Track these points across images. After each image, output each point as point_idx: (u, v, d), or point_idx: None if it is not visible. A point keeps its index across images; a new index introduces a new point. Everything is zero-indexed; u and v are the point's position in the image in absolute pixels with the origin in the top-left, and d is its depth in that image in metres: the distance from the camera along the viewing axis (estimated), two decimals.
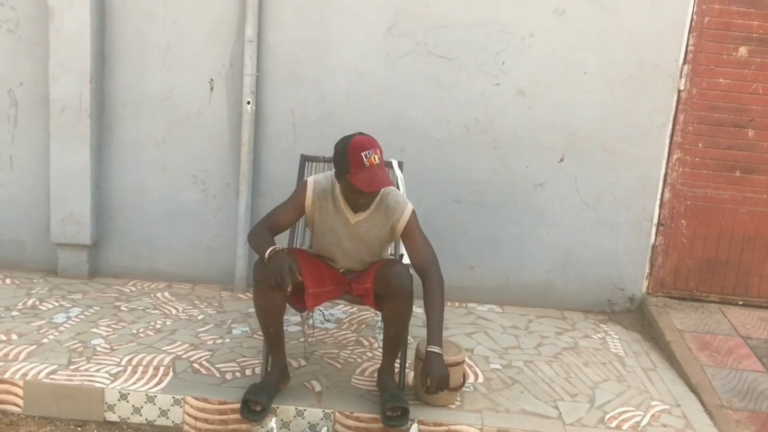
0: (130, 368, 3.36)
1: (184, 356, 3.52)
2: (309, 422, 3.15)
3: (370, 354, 3.69)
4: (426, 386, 3.02)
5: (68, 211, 4.26)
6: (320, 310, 4.11)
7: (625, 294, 4.48)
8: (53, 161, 4.22)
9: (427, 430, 3.12)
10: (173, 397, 3.18)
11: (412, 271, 3.15)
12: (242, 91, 4.18)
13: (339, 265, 3.26)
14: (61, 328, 3.71)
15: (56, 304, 4.01)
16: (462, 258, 4.41)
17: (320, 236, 3.20)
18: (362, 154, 2.93)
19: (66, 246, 4.34)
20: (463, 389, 3.34)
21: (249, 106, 4.18)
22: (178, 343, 3.66)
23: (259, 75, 4.20)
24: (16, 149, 4.32)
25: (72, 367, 3.34)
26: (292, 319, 3.89)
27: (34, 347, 3.49)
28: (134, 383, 3.24)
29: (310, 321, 3.94)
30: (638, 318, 4.41)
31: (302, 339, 3.75)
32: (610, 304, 4.50)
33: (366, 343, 3.82)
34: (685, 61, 4.21)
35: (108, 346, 3.56)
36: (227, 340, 3.73)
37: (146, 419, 3.19)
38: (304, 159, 3.84)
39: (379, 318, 3.38)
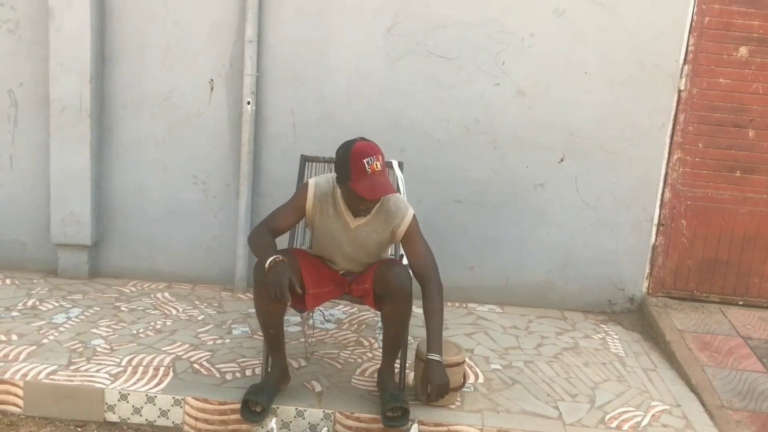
0: (130, 368, 3.36)
1: (184, 357, 3.52)
2: (309, 423, 3.15)
3: (370, 354, 3.69)
4: (426, 393, 3.04)
5: (68, 212, 4.26)
6: (320, 311, 4.11)
7: (626, 294, 4.48)
8: (53, 161, 4.22)
9: (428, 430, 3.12)
10: (173, 398, 3.18)
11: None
12: (242, 92, 4.18)
13: (338, 267, 3.26)
14: (61, 329, 3.71)
15: (56, 304, 4.01)
16: (462, 258, 4.41)
17: (320, 239, 3.19)
18: (364, 160, 2.92)
19: (66, 246, 4.34)
20: (464, 389, 3.34)
21: (249, 107, 4.18)
22: (179, 343, 3.66)
23: (259, 75, 4.20)
24: (16, 149, 4.32)
25: (72, 367, 3.34)
26: (292, 319, 3.89)
27: (34, 348, 3.49)
28: (134, 384, 3.24)
29: (311, 321, 3.94)
30: (638, 318, 4.41)
31: (302, 339, 3.75)
32: (610, 305, 4.50)
33: (366, 343, 3.82)
34: (685, 61, 4.21)
35: (108, 347, 3.56)
36: (227, 341, 3.73)
37: (146, 419, 3.19)
38: (305, 159, 3.84)
39: (379, 318, 3.38)
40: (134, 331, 3.75)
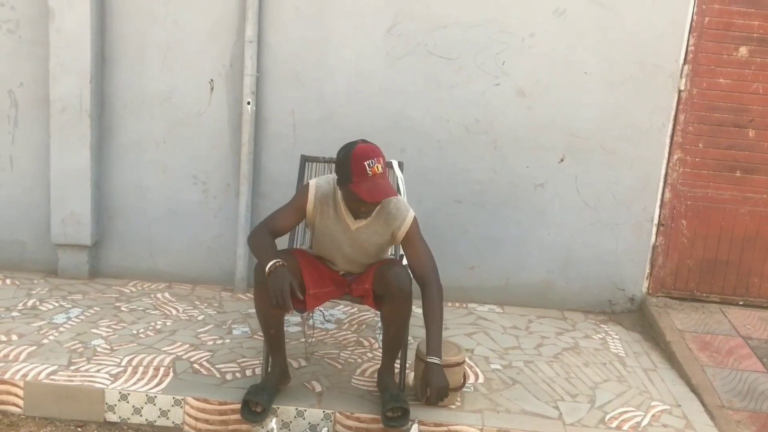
0: (130, 369, 3.36)
1: (184, 357, 3.52)
2: (309, 423, 3.15)
3: (370, 354, 3.69)
4: (426, 397, 3.04)
5: (68, 212, 4.26)
6: (320, 311, 4.11)
7: (626, 294, 4.48)
8: (53, 162, 4.22)
9: (428, 430, 3.12)
10: (173, 398, 3.18)
11: None
12: (242, 92, 4.18)
13: (338, 268, 3.26)
14: (61, 329, 3.71)
15: (56, 304, 4.01)
16: (462, 258, 4.41)
17: (320, 240, 3.19)
18: (365, 163, 2.91)
19: (66, 246, 4.34)
20: (464, 389, 3.34)
21: (249, 107, 4.18)
22: (179, 343, 3.66)
23: (259, 75, 4.20)
24: (16, 150, 4.32)
25: (72, 367, 3.34)
26: (292, 319, 3.89)
27: (34, 348, 3.49)
28: (134, 384, 3.24)
29: (311, 321, 3.94)
30: (639, 318, 4.41)
31: (303, 339, 3.75)
32: (610, 305, 4.49)
33: (366, 343, 3.82)
34: (685, 61, 4.21)
35: (108, 347, 3.56)
36: (227, 341, 3.73)
37: (146, 420, 3.19)
38: (305, 159, 3.84)
39: (379, 318, 3.38)
40: (134, 332, 3.75)
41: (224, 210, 4.38)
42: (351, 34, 4.18)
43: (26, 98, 4.25)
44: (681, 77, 4.22)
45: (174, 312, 4.04)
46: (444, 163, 4.30)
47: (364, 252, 3.18)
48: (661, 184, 4.35)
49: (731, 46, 4.21)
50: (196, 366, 3.44)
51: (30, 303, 4.00)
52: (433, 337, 3.05)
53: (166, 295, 4.28)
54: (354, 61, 4.21)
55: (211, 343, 3.69)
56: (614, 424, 3.24)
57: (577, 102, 4.24)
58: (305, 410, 3.15)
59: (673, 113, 4.27)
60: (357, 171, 2.92)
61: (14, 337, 3.58)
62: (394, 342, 3.21)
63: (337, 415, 3.15)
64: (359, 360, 3.62)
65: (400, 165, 3.81)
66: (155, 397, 3.18)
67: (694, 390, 3.57)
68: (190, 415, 3.17)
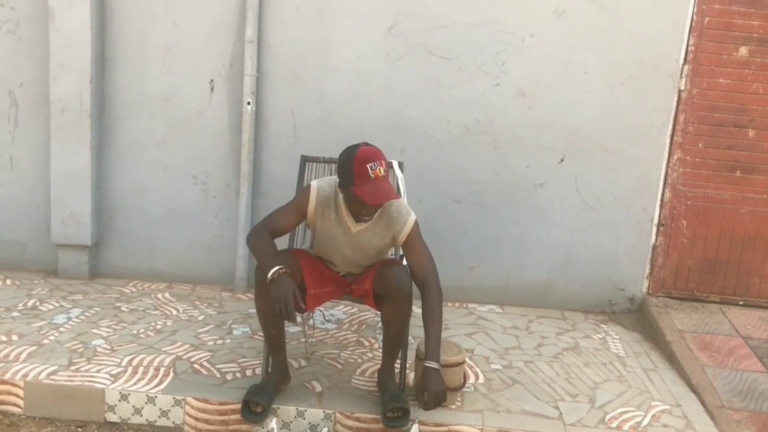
0: (130, 369, 3.36)
1: (184, 357, 3.52)
2: (309, 423, 3.15)
3: (370, 354, 3.69)
4: (424, 401, 3.03)
5: (69, 212, 4.26)
6: (320, 311, 4.12)
7: (626, 294, 4.48)
8: (53, 162, 4.22)
9: (428, 430, 3.12)
10: (174, 398, 3.18)
11: None
12: (242, 92, 4.18)
13: (338, 269, 3.26)
14: (61, 329, 3.71)
15: (57, 304, 4.01)
16: (462, 258, 4.41)
17: (320, 242, 3.19)
18: (368, 165, 2.91)
19: (66, 246, 4.34)
20: (464, 389, 3.34)
21: (249, 107, 4.18)
22: (179, 343, 3.66)
23: (259, 75, 4.20)
24: (16, 150, 4.33)
25: (72, 367, 3.34)
26: None
27: (34, 348, 3.49)
28: (135, 384, 3.24)
29: (311, 321, 3.94)
30: (639, 318, 4.41)
31: (303, 339, 3.75)
32: (610, 305, 4.50)
33: (366, 343, 3.82)
34: (685, 61, 4.21)
35: (108, 347, 3.56)
36: (228, 341, 3.73)
37: (147, 420, 3.19)
38: (305, 160, 3.84)
39: (380, 318, 3.38)
40: (135, 332, 3.75)
41: (224, 210, 4.38)
42: (351, 34, 4.18)
43: (26, 98, 4.25)
44: (681, 77, 4.22)
45: (174, 312, 4.04)
46: (444, 163, 4.31)
47: (365, 254, 3.18)
48: (661, 184, 4.35)
49: (731, 46, 4.21)
50: (196, 366, 3.44)
51: (30, 303, 4.00)
52: (431, 341, 3.04)
53: (167, 295, 4.28)
54: (354, 61, 4.21)
55: (211, 343, 3.70)
56: (614, 424, 3.24)
57: (577, 102, 4.24)
58: (305, 410, 3.15)
59: (673, 113, 4.27)
60: (359, 174, 2.91)
61: (14, 338, 3.58)
62: (394, 342, 3.21)
63: (338, 415, 3.15)
64: (359, 360, 3.62)
65: (400, 165, 3.81)
66: (155, 397, 3.18)
67: (694, 390, 3.57)
68: (190, 416, 3.17)
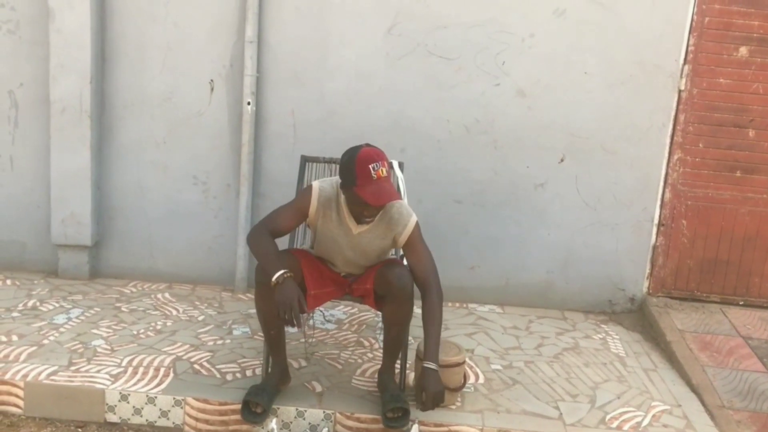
0: (130, 369, 3.36)
1: (184, 357, 3.52)
2: (310, 423, 3.15)
3: (370, 355, 3.69)
4: (422, 402, 3.03)
5: (69, 212, 4.26)
6: (321, 311, 4.11)
7: (626, 294, 4.48)
8: (53, 162, 4.22)
9: (428, 430, 3.12)
10: (174, 398, 3.18)
11: None
12: (242, 92, 4.18)
13: (339, 270, 3.26)
14: (61, 329, 3.71)
15: (57, 305, 4.01)
16: (462, 258, 4.41)
17: (321, 242, 3.19)
18: (370, 166, 2.91)
19: (66, 247, 4.34)
20: (464, 390, 3.34)
21: (249, 107, 4.18)
22: (179, 344, 3.66)
23: (259, 75, 4.20)
24: (16, 150, 4.32)
25: (72, 368, 3.34)
26: None
27: (34, 348, 3.49)
28: (135, 384, 3.24)
29: (311, 322, 3.94)
30: (639, 318, 4.41)
31: (303, 340, 3.75)
32: (610, 305, 4.49)
33: (366, 343, 3.82)
34: (685, 61, 4.21)
35: (108, 347, 3.56)
36: (228, 341, 3.73)
37: (147, 420, 3.19)
38: (305, 160, 3.84)
39: (380, 318, 3.38)
40: (135, 332, 3.75)
41: (224, 210, 4.38)
42: (351, 34, 4.18)
43: (26, 99, 4.25)
44: (681, 77, 4.22)
45: (174, 312, 4.04)
46: (444, 163, 4.30)
47: (365, 255, 3.17)
48: (662, 184, 4.35)
49: (731, 46, 4.21)
50: (196, 366, 3.44)
51: (30, 303, 4.00)
52: (431, 341, 3.04)
53: (167, 295, 4.28)
54: (354, 61, 4.21)
55: (211, 343, 3.70)
56: (615, 424, 3.24)
57: (577, 102, 4.24)
58: (305, 410, 3.15)
59: (673, 113, 4.27)
60: (361, 174, 2.91)
61: (14, 338, 3.58)
62: (394, 342, 3.21)
63: (338, 415, 3.15)
64: (359, 360, 3.62)
65: (401, 165, 3.81)
66: (155, 397, 3.18)
67: (694, 390, 3.57)
68: (190, 416, 3.17)
